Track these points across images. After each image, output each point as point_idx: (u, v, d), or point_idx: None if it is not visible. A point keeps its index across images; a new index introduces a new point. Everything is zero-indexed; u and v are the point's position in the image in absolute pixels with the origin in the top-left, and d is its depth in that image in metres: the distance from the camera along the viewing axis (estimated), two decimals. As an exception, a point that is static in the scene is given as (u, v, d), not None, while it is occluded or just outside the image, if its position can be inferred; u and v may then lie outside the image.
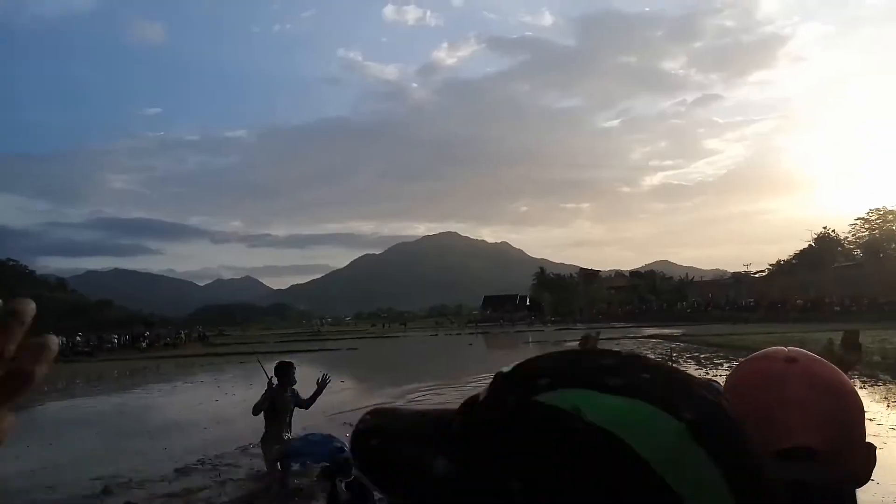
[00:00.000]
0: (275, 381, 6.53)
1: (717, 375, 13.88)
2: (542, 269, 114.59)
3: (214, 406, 15.40)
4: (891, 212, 67.24)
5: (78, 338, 48.61)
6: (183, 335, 58.78)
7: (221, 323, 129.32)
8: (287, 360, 6.92)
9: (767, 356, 0.85)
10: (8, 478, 8.54)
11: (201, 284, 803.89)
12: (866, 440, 0.82)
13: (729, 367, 17.09)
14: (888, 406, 11.38)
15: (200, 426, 12.67)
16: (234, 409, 13.07)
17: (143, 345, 49.06)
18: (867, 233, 68.71)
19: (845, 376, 0.82)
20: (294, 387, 6.67)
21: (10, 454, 8.95)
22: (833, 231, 72.69)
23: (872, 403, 11.62)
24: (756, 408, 0.77)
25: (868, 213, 69.45)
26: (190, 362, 33.17)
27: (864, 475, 0.83)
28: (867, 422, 0.84)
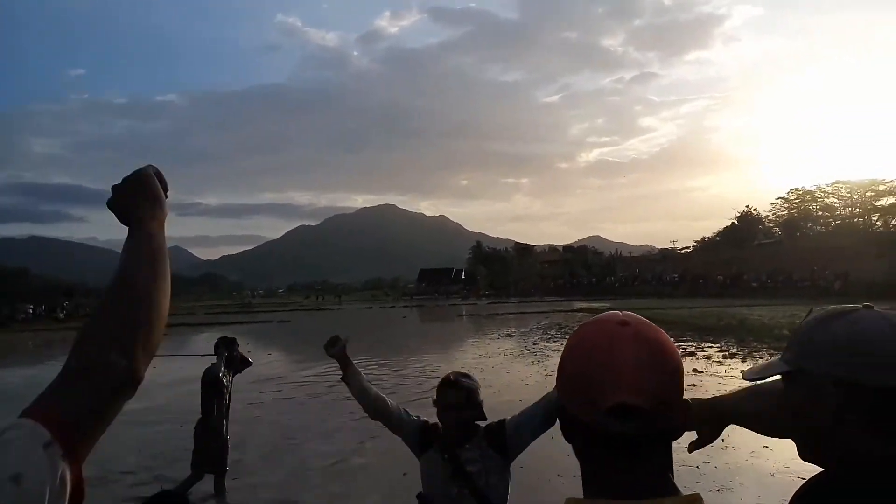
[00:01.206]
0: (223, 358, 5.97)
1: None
2: (478, 243, 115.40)
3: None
4: (808, 192, 70.97)
5: (-12, 308, 45.96)
6: (105, 306, 56.43)
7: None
8: (229, 336, 6.39)
9: (602, 320, 0.89)
10: None
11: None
12: (683, 397, 0.87)
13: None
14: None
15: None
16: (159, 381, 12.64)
17: (62, 315, 46.85)
18: (786, 212, 72.35)
19: (669, 338, 0.87)
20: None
21: None
22: (755, 210, 76.14)
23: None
24: (589, 367, 0.84)
25: (788, 192, 73.24)
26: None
27: (681, 428, 0.89)
28: (686, 380, 0.89)
